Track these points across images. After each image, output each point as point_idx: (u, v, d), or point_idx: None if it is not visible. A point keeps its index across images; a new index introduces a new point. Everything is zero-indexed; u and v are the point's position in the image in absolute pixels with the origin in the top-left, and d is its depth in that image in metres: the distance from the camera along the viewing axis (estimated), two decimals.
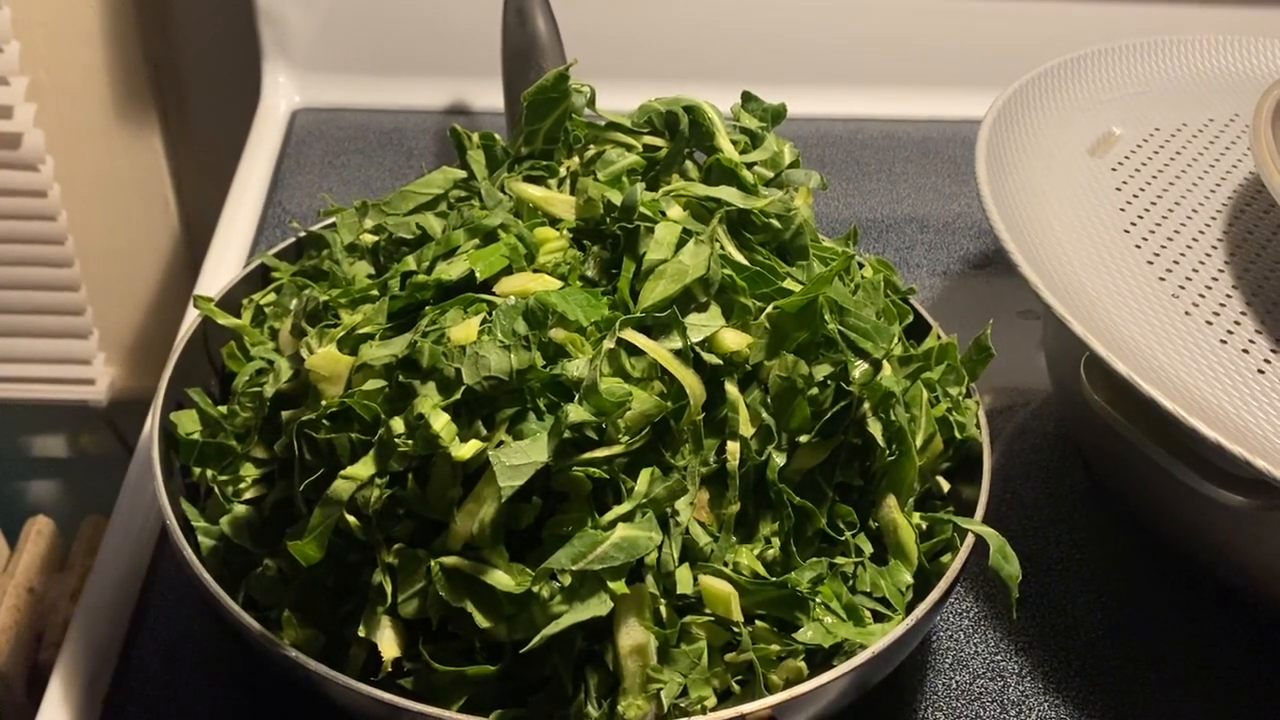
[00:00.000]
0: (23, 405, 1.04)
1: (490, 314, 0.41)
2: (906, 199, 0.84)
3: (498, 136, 0.53)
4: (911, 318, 0.54)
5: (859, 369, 0.44)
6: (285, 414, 0.44)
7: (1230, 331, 0.52)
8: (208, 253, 0.73)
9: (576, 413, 0.39)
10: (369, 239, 0.51)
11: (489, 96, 0.86)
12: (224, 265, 0.72)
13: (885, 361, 0.45)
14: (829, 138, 0.90)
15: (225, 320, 0.52)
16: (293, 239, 0.57)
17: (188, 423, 0.49)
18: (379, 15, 0.85)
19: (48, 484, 1.15)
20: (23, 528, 1.05)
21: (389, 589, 0.40)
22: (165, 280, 1.03)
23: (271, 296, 0.54)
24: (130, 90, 0.92)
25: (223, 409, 0.49)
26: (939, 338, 0.53)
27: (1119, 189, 0.61)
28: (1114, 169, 0.63)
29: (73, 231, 0.94)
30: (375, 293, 0.46)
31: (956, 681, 0.53)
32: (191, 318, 0.53)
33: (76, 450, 1.12)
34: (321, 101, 0.87)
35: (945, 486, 0.51)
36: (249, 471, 0.47)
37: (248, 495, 0.46)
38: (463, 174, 0.53)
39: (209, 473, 0.47)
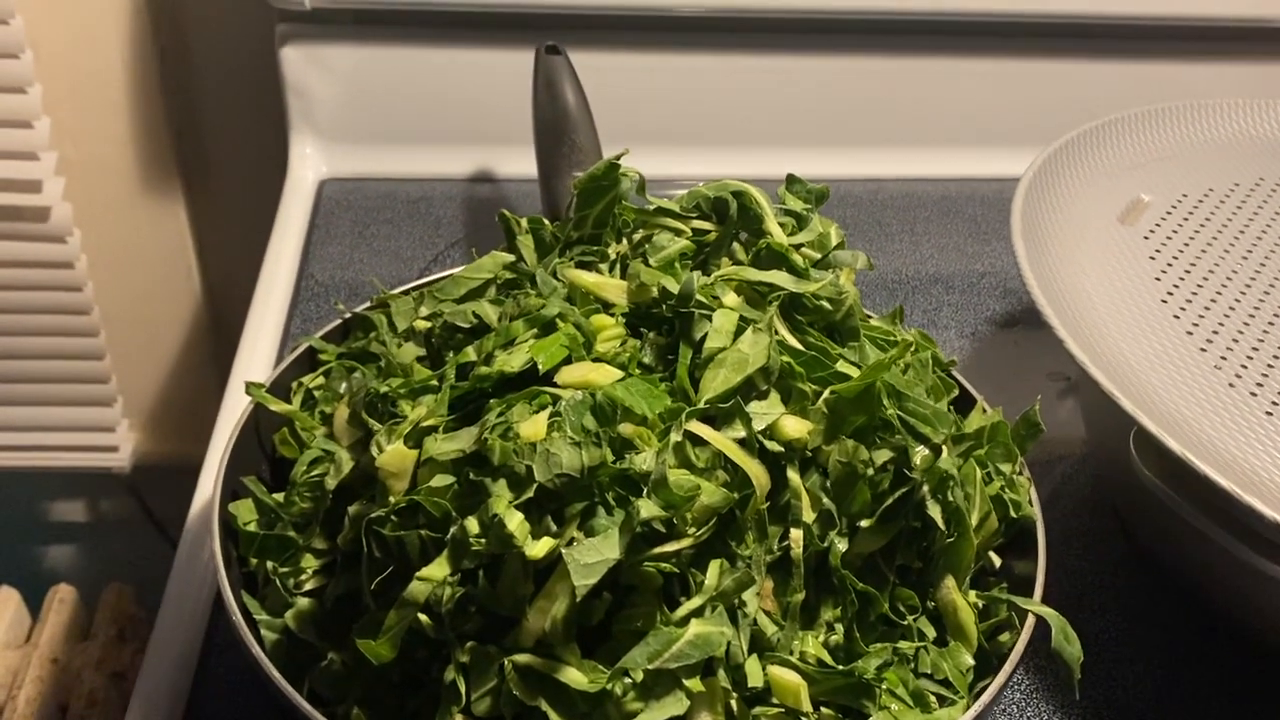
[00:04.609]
0: (46, 472, 1.04)
1: (555, 406, 0.42)
2: (930, 259, 0.85)
3: (546, 222, 0.53)
4: (956, 392, 0.55)
5: (919, 455, 0.44)
6: (351, 509, 0.44)
7: (1275, 403, 0.52)
8: (244, 327, 0.73)
9: (647, 508, 0.39)
10: (422, 325, 0.51)
11: (514, 164, 0.87)
12: (261, 338, 0.73)
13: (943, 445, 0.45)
14: (850, 198, 0.91)
15: (277, 406, 0.53)
16: (338, 320, 0.57)
17: (245, 513, 0.49)
18: (403, 85, 0.86)
19: (69, 550, 1.15)
20: (45, 596, 1.04)
21: (462, 687, 0.40)
22: (188, 348, 1.03)
23: (320, 380, 0.55)
24: (156, 163, 0.93)
25: (278, 497, 0.50)
26: (985, 411, 0.53)
27: (1153, 257, 0.62)
28: (1146, 237, 0.63)
29: (98, 301, 0.95)
30: (434, 383, 0.46)
31: None
32: (241, 402, 0.53)
33: (98, 516, 1.12)
34: (348, 171, 0.88)
35: (997, 562, 0.51)
36: (309, 563, 0.47)
37: (308, 586, 0.46)
38: (511, 258, 0.53)
39: (269, 564, 0.47)
